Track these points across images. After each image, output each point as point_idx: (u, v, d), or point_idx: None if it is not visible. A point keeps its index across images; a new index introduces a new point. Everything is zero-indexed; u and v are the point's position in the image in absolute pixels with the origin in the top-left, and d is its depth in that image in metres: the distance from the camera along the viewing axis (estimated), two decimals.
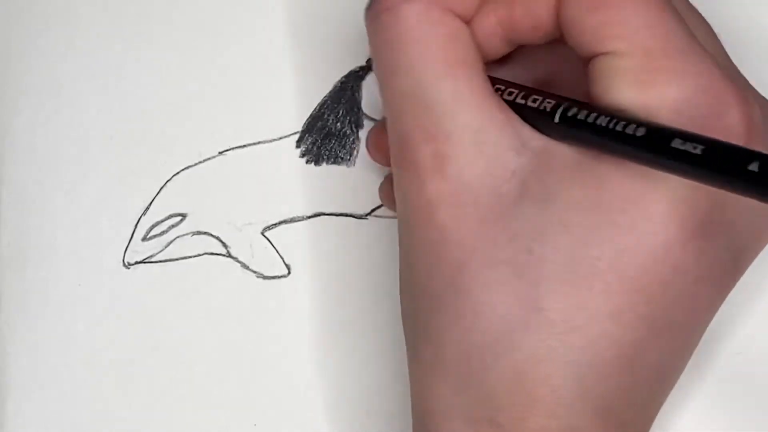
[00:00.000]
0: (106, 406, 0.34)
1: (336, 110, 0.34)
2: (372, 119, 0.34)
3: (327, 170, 0.34)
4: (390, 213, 0.34)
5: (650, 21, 0.23)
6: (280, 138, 0.35)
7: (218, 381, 0.34)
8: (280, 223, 0.34)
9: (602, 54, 0.24)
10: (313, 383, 0.33)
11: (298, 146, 0.34)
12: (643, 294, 0.23)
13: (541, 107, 0.25)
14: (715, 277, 0.25)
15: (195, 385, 0.34)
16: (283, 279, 0.34)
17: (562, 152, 0.24)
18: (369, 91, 0.34)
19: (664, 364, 0.25)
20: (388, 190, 0.32)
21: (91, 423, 0.34)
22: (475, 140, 0.24)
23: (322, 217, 0.34)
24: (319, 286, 0.34)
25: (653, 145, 0.22)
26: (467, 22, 0.26)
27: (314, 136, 0.34)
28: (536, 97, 0.25)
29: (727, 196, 0.21)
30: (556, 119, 0.24)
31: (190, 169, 0.35)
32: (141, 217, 0.35)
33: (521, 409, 0.24)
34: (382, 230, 0.34)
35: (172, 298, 0.34)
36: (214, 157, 0.35)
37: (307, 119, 0.35)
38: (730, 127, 0.23)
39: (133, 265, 0.34)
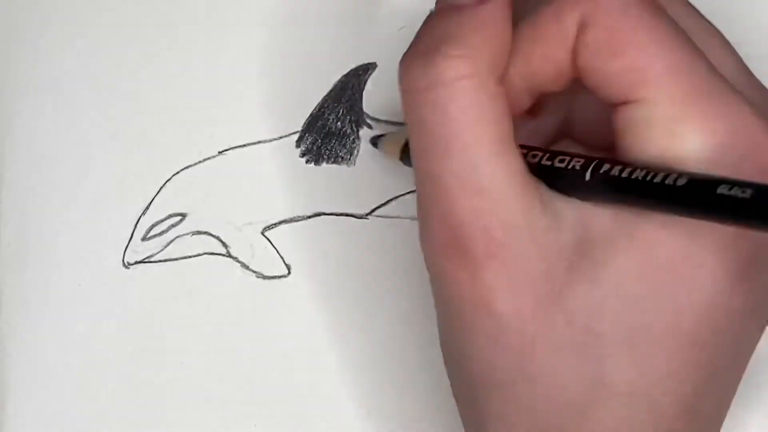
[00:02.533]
0: (106, 406, 0.34)
1: (336, 110, 0.34)
2: (373, 119, 0.34)
3: (327, 170, 0.34)
4: (390, 213, 0.34)
5: (673, 63, 0.23)
6: (280, 138, 0.35)
7: (218, 381, 0.34)
8: (280, 223, 0.34)
9: (626, 103, 0.23)
10: (313, 383, 0.33)
11: (298, 146, 0.34)
12: (698, 344, 0.23)
13: (570, 166, 0.24)
14: (759, 310, 0.25)
15: (195, 385, 0.34)
16: (283, 279, 0.34)
17: (599, 221, 0.24)
18: (369, 91, 0.34)
19: (720, 400, 0.26)
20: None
21: (91, 423, 0.34)
22: (527, 224, 0.24)
23: (322, 217, 0.34)
24: (319, 286, 0.34)
25: (697, 194, 0.21)
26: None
27: (314, 135, 0.34)
28: (563, 157, 0.24)
29: None
30: (587, 177, 0.23)
31: (190, 169, 0.35)
32: (141, 216, 0.35)
33: None
34: (382, 230, 0.34)
35: (172, 298, 0.34)
36: (214, 157, 0.35)
37: (307, 119, 0.35)
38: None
39: (133, 265, 0.34)
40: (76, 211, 0.35)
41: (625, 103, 0.23)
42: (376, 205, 0.34)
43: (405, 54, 0.24)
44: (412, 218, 0.34)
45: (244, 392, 0.34)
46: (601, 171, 0.23)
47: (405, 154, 0.31)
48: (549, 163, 0.25)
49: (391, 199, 0.34)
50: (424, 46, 0.24)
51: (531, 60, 0.25)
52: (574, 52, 0.24)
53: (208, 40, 0.35)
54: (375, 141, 0.34)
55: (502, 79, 0.24)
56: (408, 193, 0.34)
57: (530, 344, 0.24)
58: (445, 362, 0.27)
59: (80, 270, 0.34)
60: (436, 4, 0.25)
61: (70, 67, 0.36)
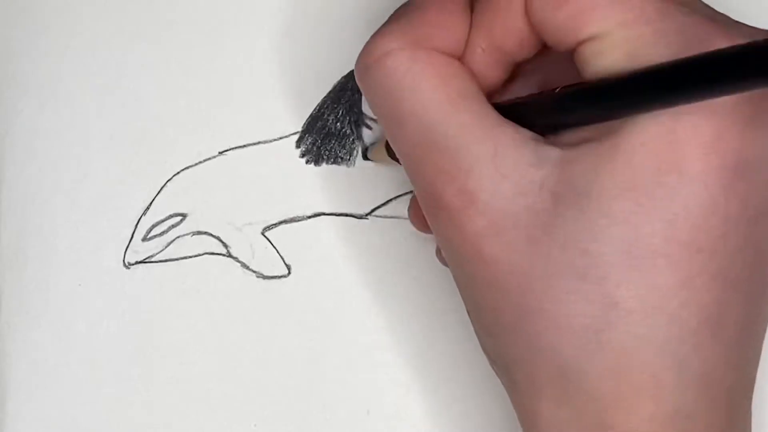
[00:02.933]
0: (106, 406, 0.34)
1: (336, 110, 0.34)
2: (372, 119, 0.34)
3: (327, 170, 0.34)
4: (390, 213, 0.34)
5: None
6: (280, 138, 0.35)
7: (218, 381, 0.34)
8: (280, 223, 0.34)
9: (583, 42, 0.24)
10: (313, 383, 0.33)
11: (298, 146, 0.34)
12: (706, 252, 0.23)
13: (544, 97, 0.25)
14: (764, 216, 0.24)
15: (195, 385, 0.34)
16: (283, 279, 0.34)
17: (576, 149, 0.24)
18: None
19: (749, 315, 0.25)
20: (417, 211, 0.32)
21: (90, 423, 0.34)
22: (495, 166, 0.24)
23: (322, 217, 0.34)
24: (319, 286, 0.34)
25: (681, 75, 0.21)
26: (458, 58, 0.26)
27: (314, 136, 0.34)
28: (538, 94, 0.25)
29: (753, 130, 0.21)
30: (557, 91, 0.24)
31: (190, 169, 0.35)
32: (141, 217, 0.35)
33: (626, 404, 0.24)
34: (382, 230, 0.34)
35: (172, 298, 0.34)
36: (214, 157, 0.35)
37: (307, 119, 0.35)
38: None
39: (133, 265, 0.34)
40: (76, 211, 0.35)
41: (580, 44, 0.24)
42: (376, 205, 0.34)
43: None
44: None
45: (244, 392, 0.34)
46: (576, 89, 0.24)
47: (391, 151, 0.31)
48: (526, 102, 0.26)
49: (391, 199, 0.34)
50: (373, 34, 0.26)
51: (493, 32, 0.26)
52: (527, 15, 0.25)
53: (208, 40, 0.35)
54: (365, 155, 0.34)
55: (448, 47, 0.25)
56: (408, 193, 0.34)
57: (527, 279, 0.24)
58: (473, 325, 0.27)
59: (80, 270, 0.34)
60: None
61: (70, 67, 0.36)
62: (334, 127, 0.34)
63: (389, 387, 0.33)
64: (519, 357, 0.25)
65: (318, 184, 0.34)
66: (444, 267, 0.34)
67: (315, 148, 0.34)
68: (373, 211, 0.34)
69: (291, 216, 0.34)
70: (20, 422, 0.34)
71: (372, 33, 0.26)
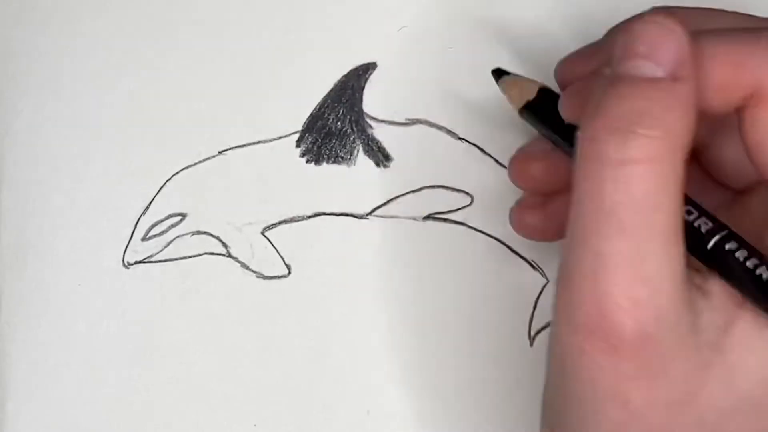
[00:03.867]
0: (106, 405, 0.34)
1: (336, 110, 0.34)
2: (373, 119, 0.34)
3: (327, 170, 0.34)
4: (390, 213, 0.34)
5: None
6: (280, 138, 0.35)
7: (218, 381, 0.34)
8: (280, 223, 0.34)
9: None
10: (313, 383, 0.33)
11: (298, 146, 0.34)
12: None
13: (696, 223, 0.24)
14: None
15: (195, 385, 0.34)
16: (283, 279, 0.34)
17: (736, 321, 0.24)
18: (369, 91, 0.34)
19: None
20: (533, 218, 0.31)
21: (90, 423, 0.34)
22: (678, 321, 0.23)
23: (322, 217, 0.34)
24: (319, 286, 0.34)
25: None
26: None
27: (314, 135, 0.34)
28: (690, 209, 0.24)
29: None
30: (709, 246, 0.24)
31: (190, 169, 0.35)
32: (141, 216, 0.35)
33: None
34: (382, 230, 0.34)
35: (172, 298, 0.34)
36: (214, 157, 0.35)
37: (308, 119, 0.35)
38: None
39: (133, 265, 0.34)
40: (76, 211, 0.35)
41: None
42: (376, 205, 0.34)
43: (591, 121, 0.23)
44: (412, 218, 0.34)
45: (244, 392, 0.33)
46: (726, 248, 0.23)
47: (527, 111, 0.30)
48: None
49: (391, 199, 0.34)
50: (616, 118, 0.23)
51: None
52: (738, 117, 0.24)
53: (208, 40, 0.35)
54: (499, 74, 0.32)
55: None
56: (408, 193, 0.34)
57: None
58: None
59: (80, 270, 0.34)
60: (622, 68, 0.24)
61: (70, 67, 0.36)
62: (335, 126, 0.34)
63: (389, 387, 0.33)
64: None
65: (318, 184, 0.34)
66: (444, 267, 0.34)
67: (315, 148, 0.34)
68: (373, 211, 0.34)
69: (291, 216, 0.34)
70: (20, 422, 0.34)
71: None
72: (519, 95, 0.30)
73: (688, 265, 0.24)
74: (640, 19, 0.24)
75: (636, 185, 0.23)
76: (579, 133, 0.24)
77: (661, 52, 0.23)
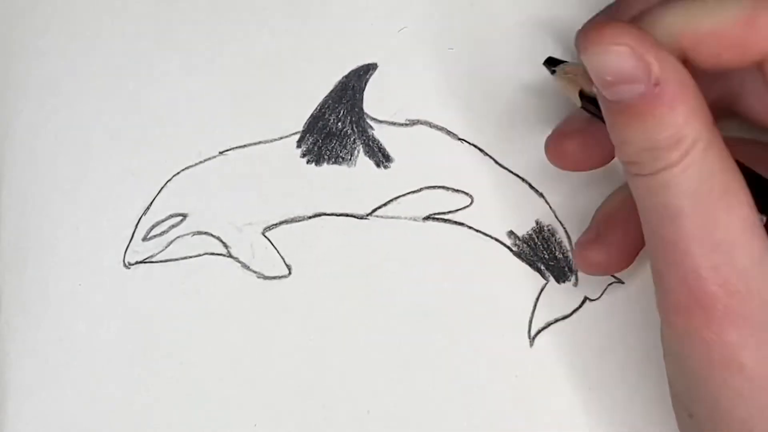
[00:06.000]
0: (106, 406, 0.34)
1: (337, 110, 0.34)
2: (373, 119, 0.34)
3: (327, 170, 0.34)
4: (390, 213, 0.34)
5: None
6: (281, 138, 0.35)
7: (218, 381, 0.34)
8: (281, 223, 0.34)
9: None
10: (313, 383, 0.33)
11: (298, 146, 0.34)
12: None
13: None
14: None
15: (195, 385, 0.34)
16: (283, 279, 0.34)
17: None
18: (370, 91, 0.34)
19: None
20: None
21: (91, 423, 0.34)
22: (762, 272, 0.24)
23: (322, 217, 0.34)
24: (319, 286, 0.34)
25: None
26: None
27: (315, 136, 0.34)
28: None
29: None
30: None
31: (190, 169, 0.35)
32: (141, 217, 0.35)
33: None
34: (382, 230, 0.34)
35: (172, 298, 0.34)
36: (214, 157, 0.35)
37: (308, 119, 0.35)
38: None
39: (133, 265, 0.34)
40: (76, 211, 0.35)
41: None
42: (376, 205, 0.34)
43: (618, 152, 0.25)
44: (412, 218, 0.34)
45: (244, 392, 0.34)
46: None
47: (584, 99, 0.29)
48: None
49: (391, 199, 0.34)
50: (634, 151, 0.25)
51: (703, 44, 0.25)
52: (761, 72, 0.25)
53: (208, 40, 0.35)
54: (553, 63, 0.31)
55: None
56: (408, 193, 0.34)
57: None
58: (683, 420, 0.27)
59: (80, 270, 0.34)
60: (606, 95, 0.25)
61: (70, 67, 0.36)
62: (335, 126, 0.34)
63: (389, 387, 0.33)
64: None
65: (318, 184, 0.34)
66: (444, 268, 0.34)
67: (316, 148, 0.34)
68: (373, 211, 0.34)
69: (291, 216, 0.34)
70: (20, 422, 0.34)
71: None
72: (573, 85, 0.29)
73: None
74: (590, 46, 0.24)
75: (680, 176, 0.24)
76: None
77: (626, 75, 0.24)
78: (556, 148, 0.31)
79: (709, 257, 0.24)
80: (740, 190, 0.24)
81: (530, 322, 0.33)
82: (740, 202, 0.24)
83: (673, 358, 0.26)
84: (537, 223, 0.34)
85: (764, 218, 0.25)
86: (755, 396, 0.24)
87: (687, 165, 0.24)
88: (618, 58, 0.24)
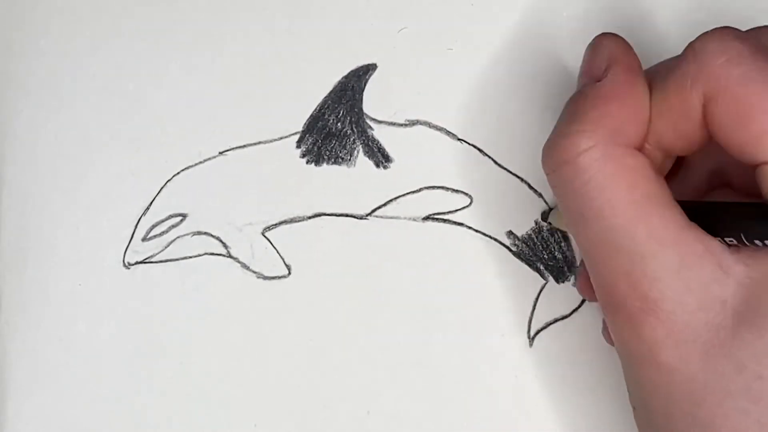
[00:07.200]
0: (106, 405, 0.34)
1: (336, 110, 0.34)
2: (373, 119, 0.34)
3: (327, 170, 0.34)
4: (390, 213, 0.34)
5: None
6: (281, 138, 0.35)
7: (218, 381, 0.34)
8: (281, 223, 0.34)
9: (765, 163, 0.24)
10: (313, 383, 0.33)
11: (298, 146, 0.34)
12: None
13: (733, 207, 0.25)
14: None
15: (195, 385, 0.34)
16: (283, 279, 0.34)
17: (764, 275, 0.24)
18: (370, 92, 0.34)
19: None
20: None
21: (90, 423, 0.34)
22: (680, 278, 0.24)
23: (322, 217, 0.34)
24: (319, 286, 0.34)
25: None
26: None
27: (315, 136, 0.34)
28: (720, 202, 0.25)
29: None
30: (745, 241, 0.24)
31: (190, 169, 0.35)
32: (141, 217, 0.35)
33: None
34: (382, 230, 0.34)
35: (172, 298, 0.34)
36: (214, 157, 0.35)
37: (308, 119, 0.35)
38: None
39: (133, 265, 0.34)
40: (76, 211, 0.35)
41: (763, 164, 0.24)
42: (376, 206, 0.34)
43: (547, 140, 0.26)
44: (411, 218, 0.34)
45: (244, 392, 0.34)
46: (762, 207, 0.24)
47: None
48: (709, 215, 0.25)
49: (390, 200, 0.34)
50: (557, 129, 0.26)
51: (661, 132, 0.26)
52: (704, 124, 0.25)
53: (208, 40, 0.35)
54: (545, 215, 0.34)
55: (634, 143, 0.25)
56: (408, 193, 0.34)
57: (701, 392, 0.24)
58: (636, 419, 0.27)
59: (80, 270, 0.34)
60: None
61: (70, 67, 0.36)
62: (335, 127, 0.34)
63: (389, 387, 0.33)
64: None
65: (318, 184, 0.34)
66: (443, 268, 0.34)
67: (315, 148, 0.34)
68: (373, 211, 0.34)
69: (291, 216, 0.34)
70: (20, 422, 0.34)
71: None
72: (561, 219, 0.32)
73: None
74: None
75: (575, 179, 0.25)
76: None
77: (586, 66, 0.27)
78: (583, 284, 0.32)
79: (615, 261, 0.25)
80: (658, 202, 0.25)
81: (530, 322, 0.33)
82: (655, 211, 0.25)
83: (620, 359, 0.27)
84: (536, 223, 0.34)
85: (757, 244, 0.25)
86: (672, 389, 0.25)
87: (580, 163, 0.25)
88: (589, 52, 0.27)
